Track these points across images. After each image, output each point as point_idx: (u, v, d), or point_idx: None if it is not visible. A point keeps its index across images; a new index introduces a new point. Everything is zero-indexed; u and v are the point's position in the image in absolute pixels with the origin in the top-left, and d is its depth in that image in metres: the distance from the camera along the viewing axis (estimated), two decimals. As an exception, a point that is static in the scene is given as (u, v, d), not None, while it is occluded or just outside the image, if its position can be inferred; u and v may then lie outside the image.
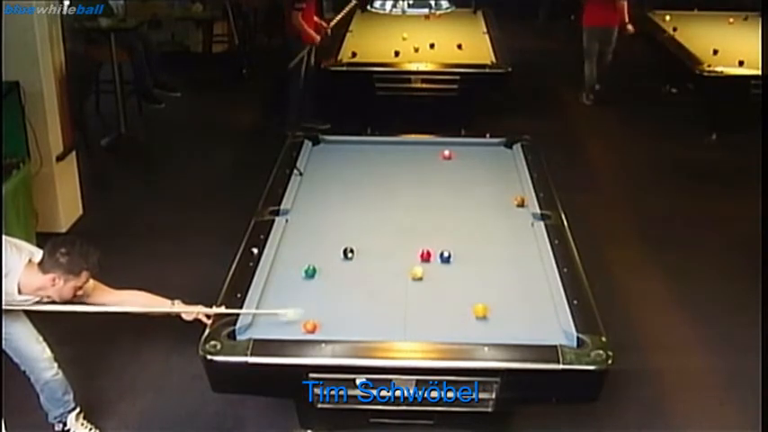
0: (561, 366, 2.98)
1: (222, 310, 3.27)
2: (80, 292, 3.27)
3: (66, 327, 3.66)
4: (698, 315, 4.88)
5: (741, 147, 6.88)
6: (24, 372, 3.60)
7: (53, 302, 3.29)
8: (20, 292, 3.23)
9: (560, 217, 4.12)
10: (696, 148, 7.43)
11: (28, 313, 3.48)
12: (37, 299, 3.29)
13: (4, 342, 3.48)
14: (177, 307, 3.40)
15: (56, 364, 3.62)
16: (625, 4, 8.37)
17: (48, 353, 3.59)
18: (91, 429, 3.79)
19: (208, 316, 3.29)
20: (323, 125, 7.08)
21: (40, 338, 3.58)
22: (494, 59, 7.18)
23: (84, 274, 3.22)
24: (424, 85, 6.92)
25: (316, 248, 3.84)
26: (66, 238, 3.50)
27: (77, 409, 3.78)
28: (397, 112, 6.64)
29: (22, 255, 3.26)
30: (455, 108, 6.91)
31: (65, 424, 3.76)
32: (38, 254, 3.29)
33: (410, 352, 3.12)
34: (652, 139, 7.64)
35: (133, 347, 4.47)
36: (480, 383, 3.05)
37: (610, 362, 3.01)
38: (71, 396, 3.74)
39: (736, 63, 7.15)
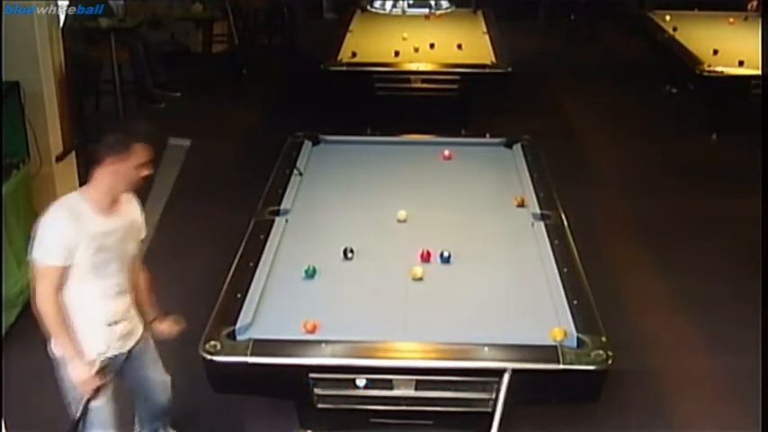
0: (561, 366, 2.98)
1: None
2: (144, 171, 3.16)
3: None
4: (698, 315, 4.88)
5: (741, 147, 6.87)
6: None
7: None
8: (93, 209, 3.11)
9: (560, 217, 4.12)
10: (696, 148, 7.43)
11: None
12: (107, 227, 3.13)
13: (131, 372, 3.39)
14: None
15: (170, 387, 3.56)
16: None
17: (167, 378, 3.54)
18: None
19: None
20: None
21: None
22: (494, 59, 7.17)
23: (138, 147, 3.16)
24: (424, 85, 6.92)
25: (316, 248, 3.83)
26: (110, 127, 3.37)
27: None
28: (397, 112, 6.64)
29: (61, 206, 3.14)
30: (455, 108, 6.91)
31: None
32: None
33: (410, 352, 3.12)
34: (652, 139, 7.63)
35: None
36: (480, 383, 3.05)
37: (610, 362, 3.01)
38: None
39: (736, 63, 7.15)
